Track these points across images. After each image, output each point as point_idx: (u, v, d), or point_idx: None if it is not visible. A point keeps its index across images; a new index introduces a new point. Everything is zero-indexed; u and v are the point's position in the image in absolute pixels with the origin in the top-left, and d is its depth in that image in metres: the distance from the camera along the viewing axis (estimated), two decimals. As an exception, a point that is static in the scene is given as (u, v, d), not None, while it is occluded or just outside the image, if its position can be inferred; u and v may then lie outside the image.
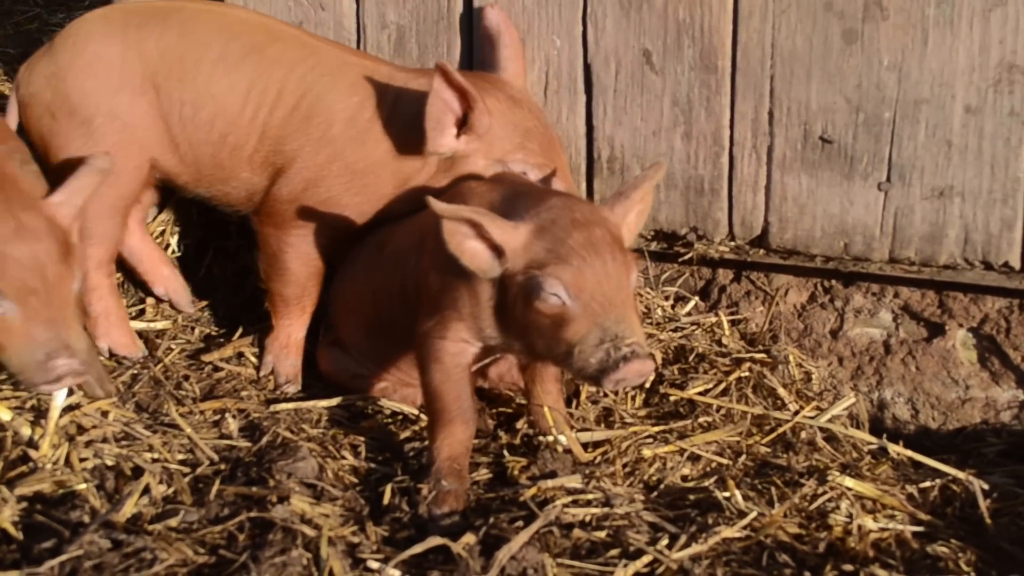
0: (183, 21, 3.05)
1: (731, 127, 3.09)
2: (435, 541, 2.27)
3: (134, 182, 3.08)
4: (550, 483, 2.58)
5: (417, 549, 2.26)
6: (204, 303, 3.53)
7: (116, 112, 3.02)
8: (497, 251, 2.46)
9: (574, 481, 2.59)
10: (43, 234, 2.58)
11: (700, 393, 3.03)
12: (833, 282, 3.23)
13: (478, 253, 2.47)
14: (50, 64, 3.06)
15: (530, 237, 2.44)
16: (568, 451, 2.76)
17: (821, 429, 2.94)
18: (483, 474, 2.73)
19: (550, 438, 2.80)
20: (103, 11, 3.20)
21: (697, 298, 3.39)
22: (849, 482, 2.62)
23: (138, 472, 2.53)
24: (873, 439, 2.93)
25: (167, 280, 3.42)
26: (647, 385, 3.07)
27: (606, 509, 2.50)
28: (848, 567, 2.34)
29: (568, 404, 2.99)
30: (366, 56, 3.13)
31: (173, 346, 3.30)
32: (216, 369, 3.18)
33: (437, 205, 2.42)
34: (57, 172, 2.92)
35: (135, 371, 3.11)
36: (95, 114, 3.01)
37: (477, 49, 3.22)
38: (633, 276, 2.45)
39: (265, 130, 3.00)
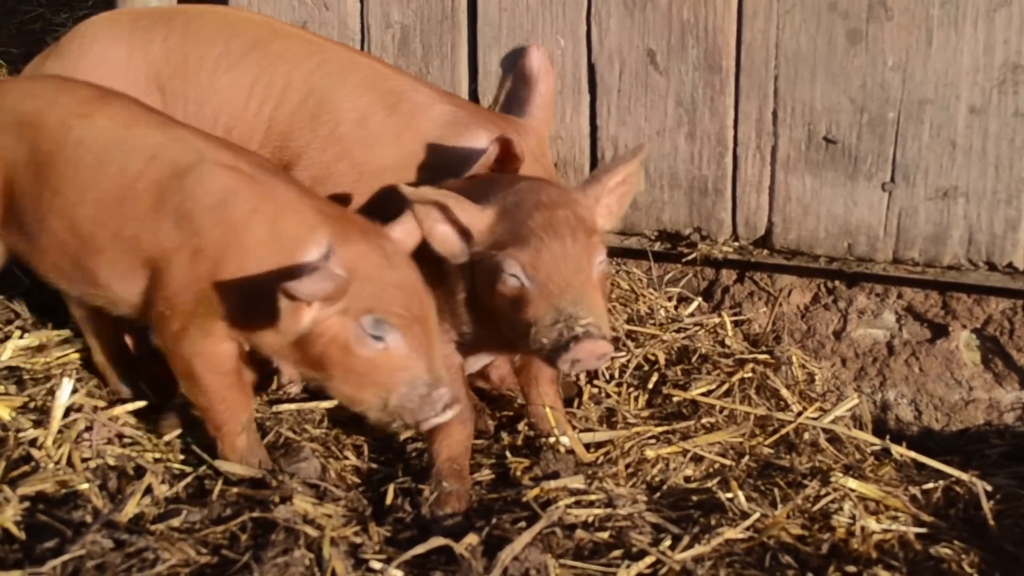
0: (187, 21, 3.06)
1: (735, 127, 3.08)
2: (437, 542, 2.26)
3: None
4: (553, 484, 2.57)
5: (419, 549, 2.26)
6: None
7: None
8: (465, 235, 2.48)
9: (577, 482, 2.58)
10: (409, 261, 2.46)
11: (703, 394, 3.03)
12: (837, 283, 3.23)
13: (448, 237, 2.49)
14: (56, 65, 3.06)
15: (495, 219, 2.46)
16: (570, 452, 2.75)
17: (824, 430, 2.93)
18: (485, 475, 2.72)
19: (552, 439, 2.80)
20: (110, 14, 3.21)
21: (700, 299, 3.39)
22: (852, 483, 2.62)
23: (140, 472, 2.53)
24: (876, 440, 2.93)
25: None
26: (650, 386, 3.07)
27: (609, 510, 2.50)
28: (851, 568, 2.33)
29: (570, 404, 2.98)
30: (373, 58, 3.12)
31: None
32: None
33: (405, 189, 2.45)
34: None
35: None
36: None
37: (482, 50, 3.22)
38: (597, 259, 2.44)
39: (272, 124, 3.00)
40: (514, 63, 3.21)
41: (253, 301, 2.38)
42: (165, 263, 2.45)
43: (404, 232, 2.51)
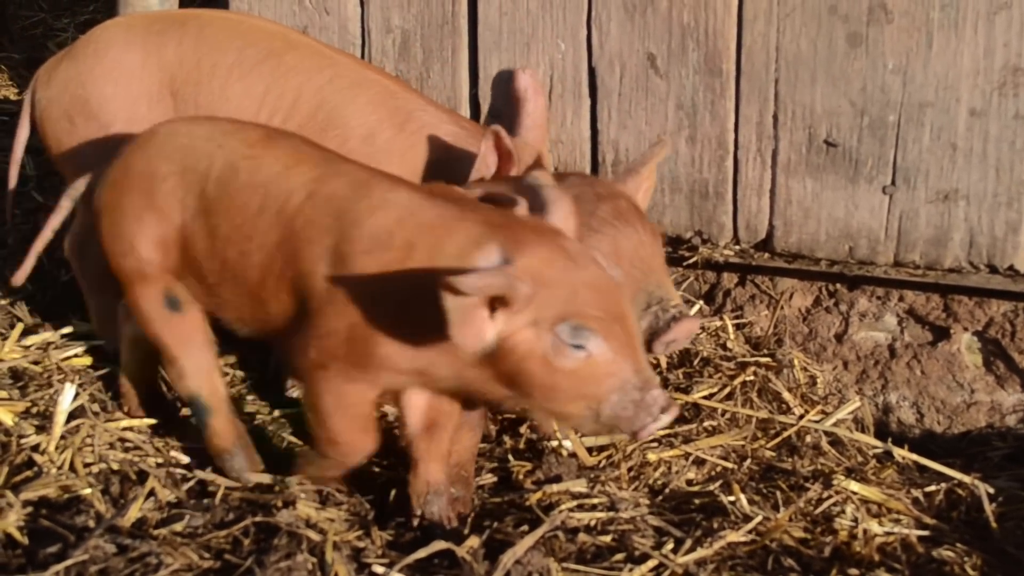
0: (201, 27, 3.06)
1: (736, 131, 3.09)
2: (439, 545, 2.27)
3: None
4: (555, 487, 2.58)
5: (422, 553, 2.26)
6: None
7: (135, 118, 3.02)
8: None
9: (579, 485, 2.59)
10: (592, 256, 2.24)
11: (705, 397, 3.03)
12: (838, 286, 3.23)
13: None
14: (70, 68, 3.06)
15: None
16: (573, 455, 2.76)
17: (826, 433, 2.94)
18: (488, 479, 2.73)
19: (554, 442, 2.80)
20: (125, 19, 3.23)
21: (702, 302, 3.39)
22: (854, 486, 2.63)
23: (143, 476, 2.53)
24: (878, 443, 2.93)
25: None
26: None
27: (611, 513, 2.50)
28: (853, 571, 2.34)
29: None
30: (384, 74, 3.12)
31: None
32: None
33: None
34: (73, 175, 2.94)
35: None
36: (114, 120, 3.01)
37: (483, 54, 3.22)
38: (660, 243, 2.45)
39: None
40: (502, 87, 3.22)
41: (420, 333, 2.23)
42: (319, 304, 2.33)
43: (560, 222, 2.31)
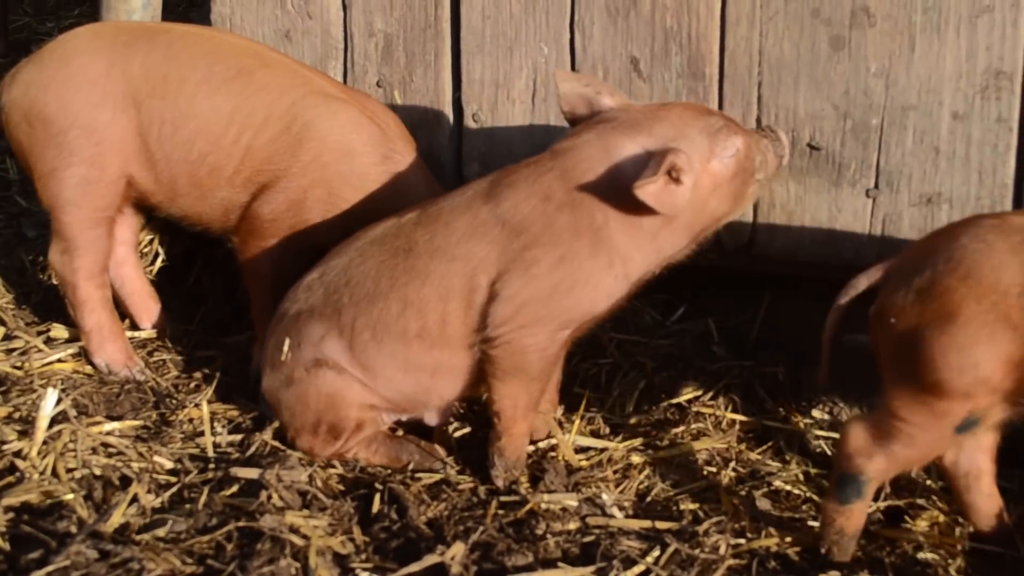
0: (171, 41, 3.06)
1: (719, 134, 3.08)
2: (431, 559, 2.27)
3: (111, 196, 3.07)
4: (546, 497, 2.58)
5: (414, 568, 2.26)
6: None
7: (94, 126, 3.01)
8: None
9: (569, 496, 2.59)
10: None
11: (690, 400, 3.04)
12: (822, 289, 3.23)
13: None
14: (33, 72, 3.06)
15: None
16: (561, 459, 2.76)
17: (811, 436, 2.94)
18: (476, 484, 2.72)
19: (543, 444, 2.81)
20: (94, 26, 3.22)
21: (686, 305, 3.39)
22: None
23: (126, 482, 2.53)
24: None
25: (154, 315, 3.39)
26: (636, 393, 3.07)
27: (598, 517, 2.50)
28: (836, 574, 2.34)
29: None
30: (361, 96, 3.14)
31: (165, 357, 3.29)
32: (207, 377, 3.17)
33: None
34: (34, 180, 2.93)
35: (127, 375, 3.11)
36: (71, 126, 3.01)
37: (466, 58, 3.22)
38: None
39: (249, 151, 3.01)
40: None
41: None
42: None
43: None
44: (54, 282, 3.34)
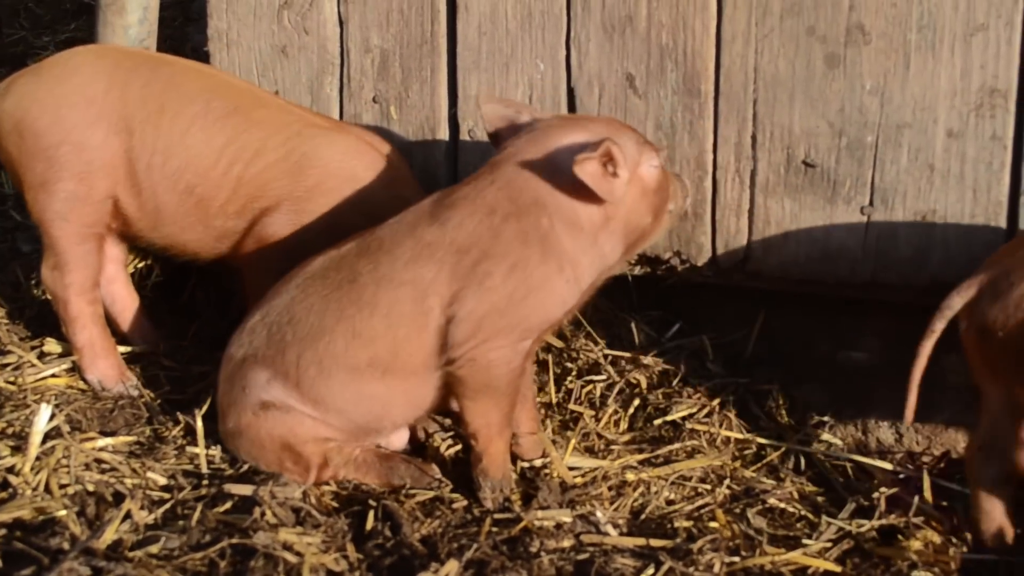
0: (172, 74, 3.09)
1: (714, 151, 3.09)
2: None
3: (98, 213, 3.07)
4: (539, 513, 2.57)
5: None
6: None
7: (86, 145, 3.02)
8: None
9: (564, 513, 2.58)
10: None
11: (684, 418, 3.03)
12: (817, 306, 3.23)
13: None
14: (31, 84, 3.06)
15: None
16: (555, 476, 2.76)
17: (805, 454, 2.94)
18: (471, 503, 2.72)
19: (537, 462, 2.81)
20: (99, 47, 3.25)
21: (681, 322, 3.39)
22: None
23: (119, 498, 2.52)
24: (860, 458, 2.94)
25: (146, 331, 3.38)
26: (631, 410, 3.07)
27: (592, 535, 2.50)
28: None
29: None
30: (357, 129, 3.17)
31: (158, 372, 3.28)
32: (200, 393, 3.17)
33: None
34: (23, 193, 2.98)
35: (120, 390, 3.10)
36: (63, 141, 3.01)
37: (462, 74, 3.23)
38: None
39: (241, 182, 3.03)
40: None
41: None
42: None
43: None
44: (48, 297, 3.33)
